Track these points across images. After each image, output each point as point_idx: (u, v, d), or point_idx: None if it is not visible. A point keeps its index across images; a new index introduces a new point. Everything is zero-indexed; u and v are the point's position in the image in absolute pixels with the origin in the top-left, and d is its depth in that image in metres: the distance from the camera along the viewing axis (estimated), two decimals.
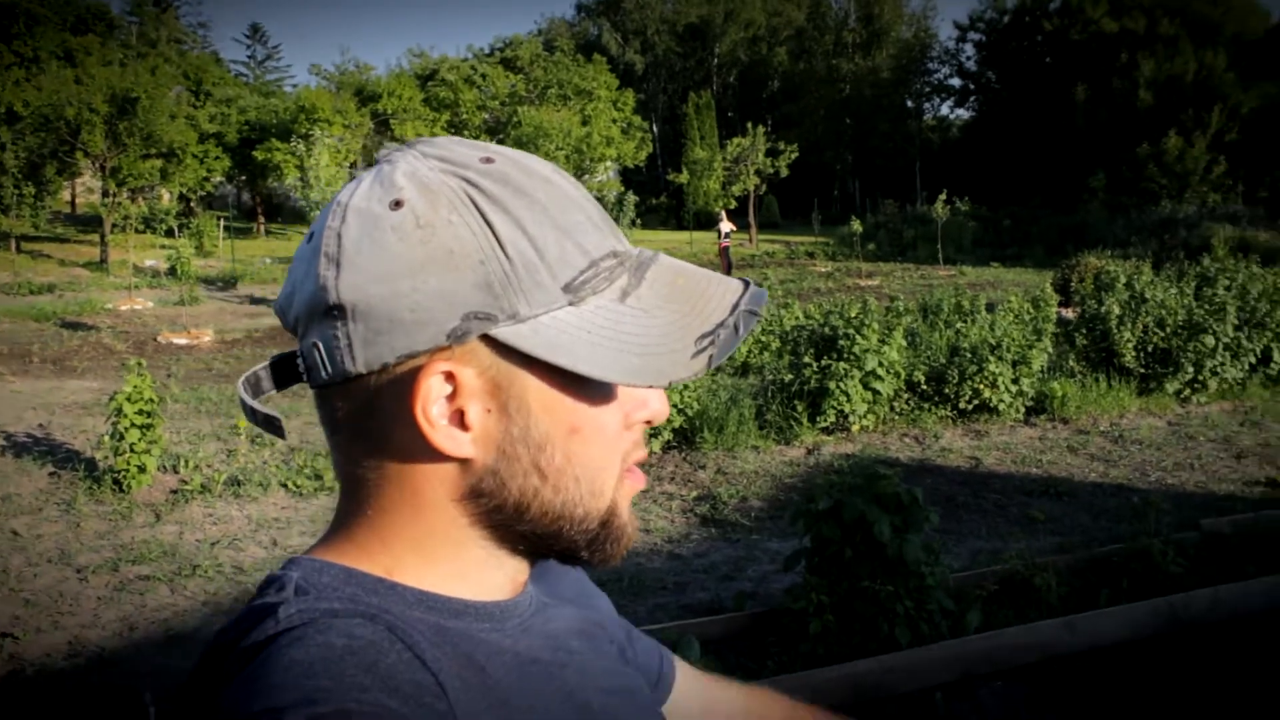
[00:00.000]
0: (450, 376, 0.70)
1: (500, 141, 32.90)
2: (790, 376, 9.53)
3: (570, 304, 0.70)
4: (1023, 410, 9.95)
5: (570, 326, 0.69)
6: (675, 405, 8.28)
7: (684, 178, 33.06)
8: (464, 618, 0.74)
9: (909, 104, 57.87)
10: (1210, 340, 10.46)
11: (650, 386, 0.70)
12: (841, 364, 9.09)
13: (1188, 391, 10.70)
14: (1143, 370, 10.76)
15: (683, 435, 8.57)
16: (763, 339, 12.20)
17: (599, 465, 0.74)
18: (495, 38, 52.60)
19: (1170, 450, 8.90)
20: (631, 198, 22.29)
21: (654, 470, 8.08)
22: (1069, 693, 4.55)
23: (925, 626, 4.79)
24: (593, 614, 0.90)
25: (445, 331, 0.69)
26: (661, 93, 53.42)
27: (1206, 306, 11.03)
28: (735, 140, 33.47)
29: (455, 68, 40.46)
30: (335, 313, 0.70)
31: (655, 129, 47.72)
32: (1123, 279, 13.12)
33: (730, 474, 8.03)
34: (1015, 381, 9.82)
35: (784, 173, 34.93)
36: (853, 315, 9.68)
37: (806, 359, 9.40)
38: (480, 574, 0.76)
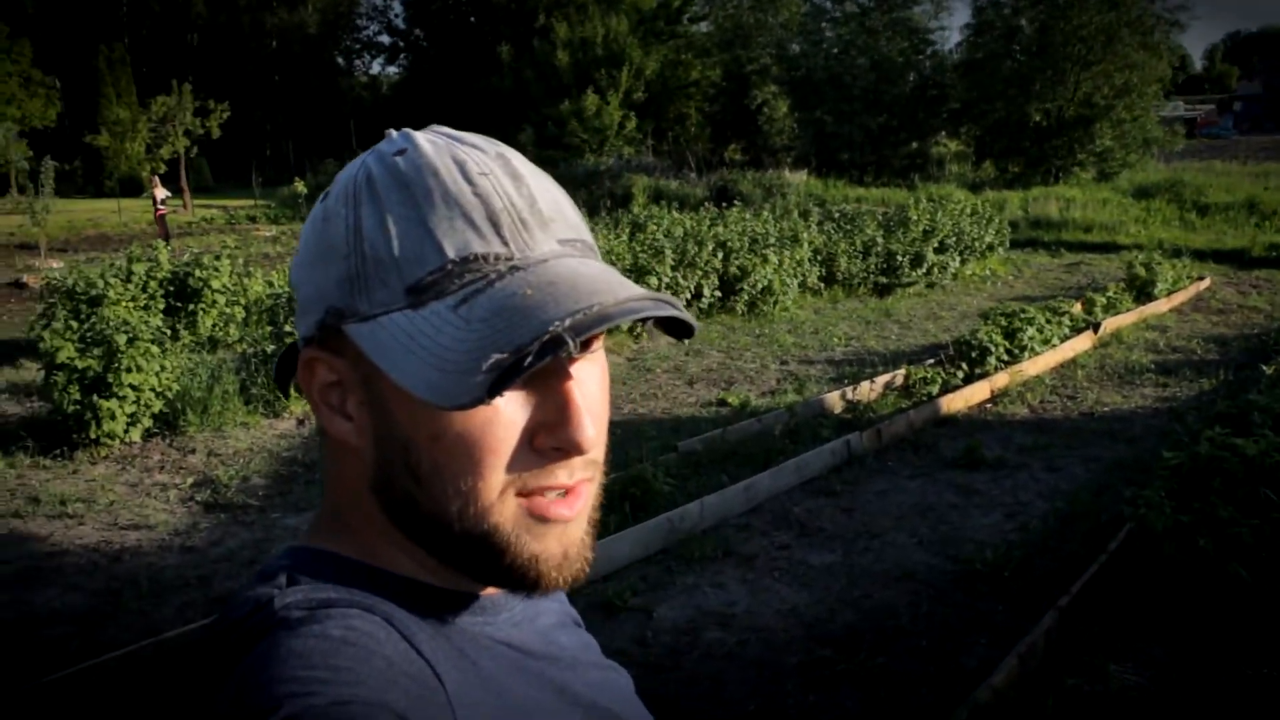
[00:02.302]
0: (330, 365, 0.73)
1: None
2: (274, 347, 9.17)
3: (409, 307, 0.68)
4: None
5: (400, 330, 0.67)
6: (152, 389, 7.63)
7: (104, 140, 30.02)
8: (458, 610, 0.75)
9: (339, 61, 57.08)
10: (654, 281, 11.67)
11: (440, 407, 0.65)
12: None
13: (639, 329, 11.85)
14: None
15: (164, 420, 7.93)
16: (227, 310, 11.53)
17: (471, 480, 0.69)
18: None
19: (634, 383, 9.84)
20: (50, 164, 19.76)
21: (139, 461, 7.42)
22: (599, 613, 4.93)
23: None
24: (567, 608, 0.91)
25: (315, 322, 0.72)
26: (64, 43, 47.74)
27: (646, 250, 12.25)
28: (160, 99, 30.91)
29: None
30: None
31: (59, 85, 42.64)
32: None
33: (224, 455, 7.60)
34: None
35: (215, 134, 32.98)
36: None
37: (288, 326, 9.10)
38: (438, 565, 0.74)
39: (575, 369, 0.71)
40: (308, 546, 0.75)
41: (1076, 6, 30.88)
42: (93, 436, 7.35)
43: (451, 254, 0.67)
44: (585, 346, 0.70)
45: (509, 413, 0.69)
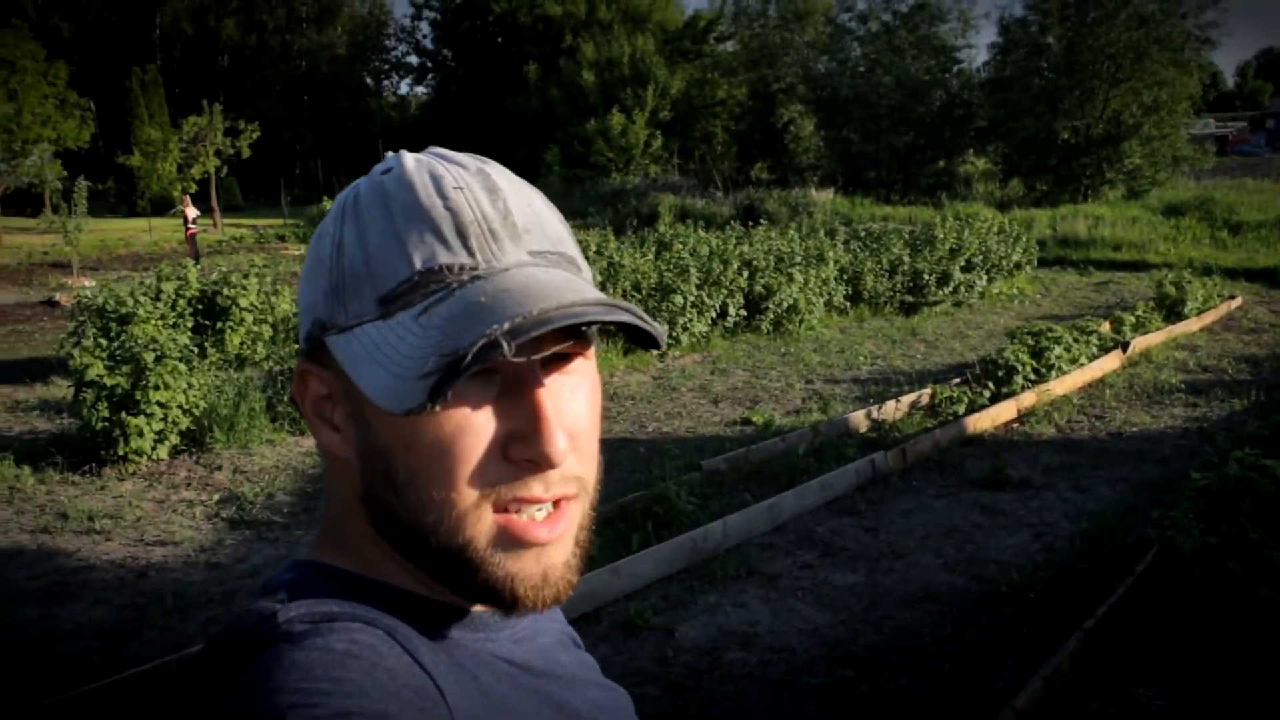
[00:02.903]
0: (320, 377, 0.74)
1: None
2: None
3: (380, 318, 0.69)
4: None
5: (369, 340, 0.69)
6: (180, 406, 7.69)
7: (136, 160, 30.41)
8: (459, 624, 0.76)
9: (368, 81, 57.62)
10: (679, 299, 11.67)
11: (391, 412, 0.66)
12: None
13: (665, 348, 11.83)
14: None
15: (191, 437, 7.99)
16: (254, 329, 11.63)
17: (444, 491, 0.69)
18: None
19: (659, 402, 9.83)
20: (83, 184, 20.03)
21: (166, 478, 7.47)
22: (620, 632, 4.91)
23: None
24: (566, 628, 0.90)
25: (304, 335, 0.75)
26: (99, 65, 48.47)
27: (672, 269, 12.26)
28: (191, 119, 31.30)
29: None
30: None
31: (94, 106, 43.24)
32: (594, 246, 14.18)
33: (249, 472, 7.64)
34: None
35: (245, 153, 33.32)
36: None
37: None
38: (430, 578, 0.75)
39: (551, 381, 0.71)
40: (310, 560, 0.76)
41: (1105, 24, 30.75)
42: (121, 453, 7.42)
43: (419, 265, 0.69)
44: (536, 351, 0.69)
45: (480, 421, 0.69)
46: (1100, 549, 5.67)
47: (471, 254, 0.70)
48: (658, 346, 0.72)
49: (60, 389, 9.92)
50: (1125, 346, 10.94)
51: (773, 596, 5.33)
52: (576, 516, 0.74)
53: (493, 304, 0.66)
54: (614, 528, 6.16)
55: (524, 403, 0.69)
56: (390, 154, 0.77)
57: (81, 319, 10.40)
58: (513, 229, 0.72)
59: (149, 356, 7.50)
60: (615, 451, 8.14)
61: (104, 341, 8.25)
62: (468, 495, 0.69)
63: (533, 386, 0.70)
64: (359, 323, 0.70)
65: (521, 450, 0.69)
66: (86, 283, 17.79)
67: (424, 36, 57.43)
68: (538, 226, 0.74)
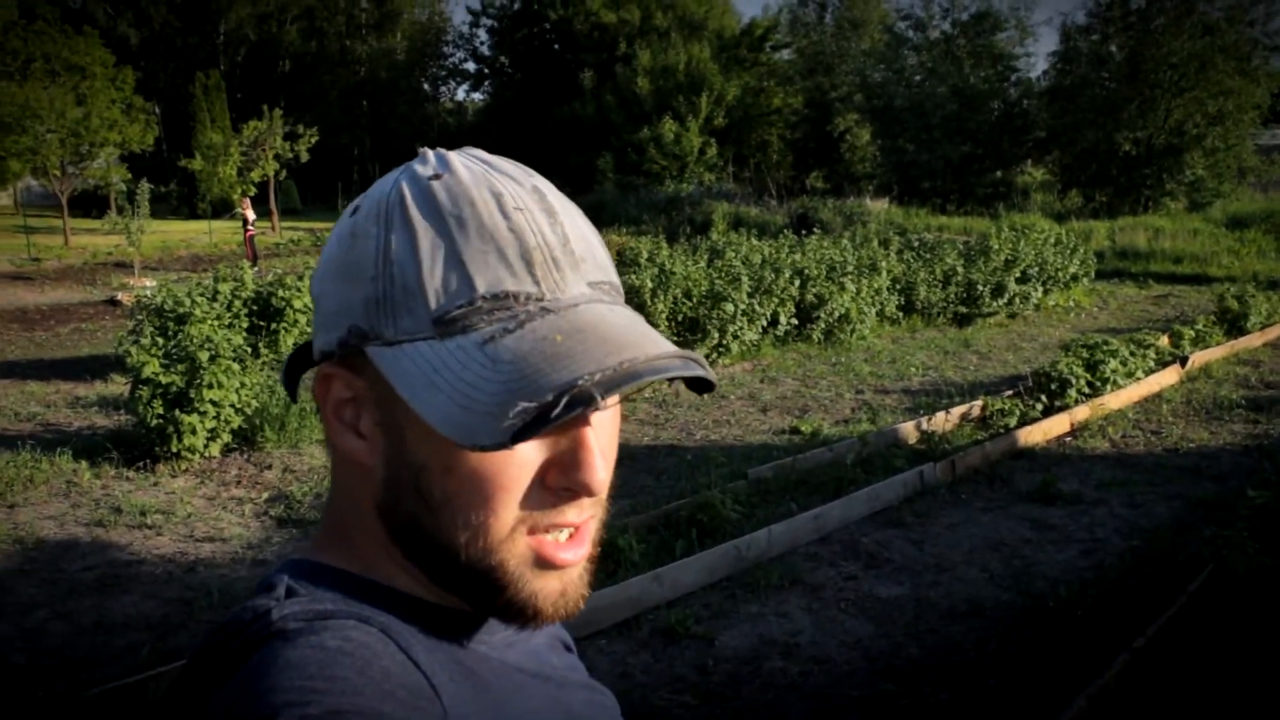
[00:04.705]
0: (346, 382, 0.72)
1: None
2: None
3: (434, 337, 0.67)
4: None
5: (423, 360, 0.67)
6: (232, 405, 7.80)
7: (198, 164, 30.86)
8: (455, 626, 0.75)
9: (426, 87, 58.15)
10: (730, 307, 11.63)
11: (460, 445, 0.64)
12: None
13: (714, 355, 11.83)
14: (675, 338, 11.72)
15: (242, 436, 8.11)
16: (308, 330, 11.80)
17: (483, 515, 0.69)
18: None
19: (708, 410, 9.80)
20: (145, 186, 20.43)
21: (217, 475, 7.58)
22: (660, 639, 4.90)
23: None
24: (559, 631, 0.91)
25: (337, 339, 0.71)
26: (163, 71, 49.44)
27: (723, 277, 12.23)
28: (252, 123, 31.76)
29: None
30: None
31: (159, 110, 44.11)
32: (645, 254, 14.20)
33: (299, 471, 7.73)
34: None
35: (304, 157, 33.74)
36: None
37: None
38: (436, 586, 0.75)
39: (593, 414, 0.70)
40: (308, 559, 0.76)
41: (1169, 32, 30.23)
42: (174, 450, 7.54)
43: (482, 289, 0.67)
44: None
45: (524, 452, 0.69)
46: (1152, 567, 5.56)
47: (536, 282, 0.68)
48: (711, 390, 0.72)
49: (118, 386, 10.11)
50: (1184, 361, 10.73)
51: (815, 607, 5.29)
52: (594, 535, 0.75)
53: (572, 347, 0.65)
54: (658, 534, 6.15)
55: (568, 433, 0.69)
56: (429, 152, 0.75)
57: (140, 318, 10.60)
58: (572, 256, 0.70)
59: (203, 356, 7.62)
60: (662, 459, 8.13)
61: (160, 340, 8.39)
62: (506, 521, 0.70)
63: (580, 420, 0.69)
64: (410, 339, 0.67)
65: (561, 478, 0.70)
66: (147, 283, 18.14)
67: (481, 43, 57.98)
68: (590, 254, 0.72)
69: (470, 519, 0.69)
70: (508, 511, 0.69)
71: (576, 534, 0.72)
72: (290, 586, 0.71)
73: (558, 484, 0.70)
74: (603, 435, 0.72)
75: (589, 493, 0.70)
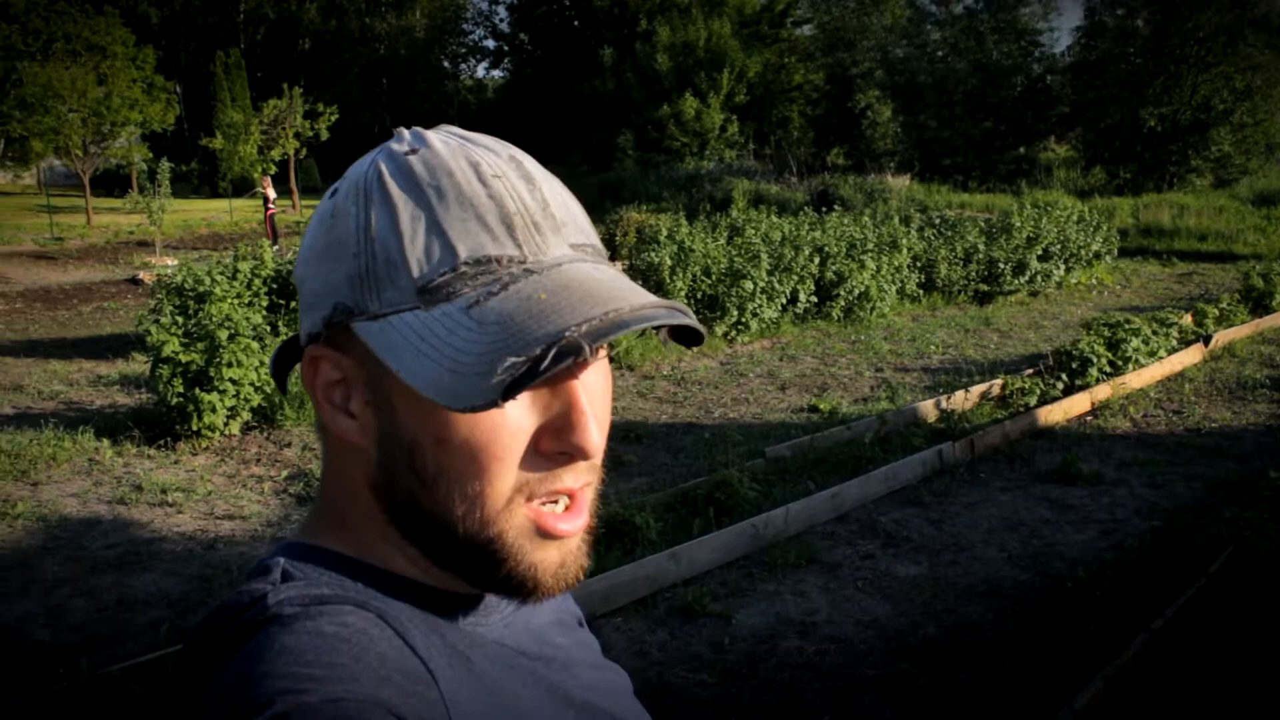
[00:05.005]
0: (335, 363, 0.72)
1: None
2: None
3: (419, 307, 0.67)
4: None
5: (410, 330, 0.67)
6: (252, 384, 7.83)
7: (218, 142, 30.91)
8: (451, 609, 0.75)
9: (445, 65, 58.01)
10: (749, 285, 11.59)
11: (450, 408, 0.64)
12: None
13: (734, 333, 11.81)
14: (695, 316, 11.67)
15: (262, 414, 8.15)
16: None
17: (479, 485, 0.69)
18: None
19: (726, 388, 9.79)
20: (166, 165, 20.49)
21: (237, 453, 7.63)
22: (677, 618, 4.90)
23: None
24: (568, 604, 0.91)
25: (322, 318, 0.71)
26: (184, 50, 49.56)
27: (743, 254, 12.18)
28: (272, 102, 31.78)
29: None
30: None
31: (179, 89, 44.23)
32: (664, 231, 14.16)
33: (318, 450, 7.70)
34: None
35: (324, 136, 33.75)
36: None
37: None
38: (433, 565, 0.75)
39: (582, 374, 0.71)
40: (303, 542, 0.76)
41: (1196, 5, 29.79)
42: (194, 428, 7.59)
43: (464, 255, 0.67)
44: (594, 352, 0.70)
45: (516, 417, 0.69)
46: (1172, 548, 5.51)
47: (518, 245, 0.68)
48: (700, 343, 0.72)
49: (140, 365, 10.19)
50: (1208, 340, 10.63)
51: (832, 586, 5.29)
52: (591, 503, 0.75)
53: (556, 302, 0.65)
54: (675, 513, 6.15)
55: (560, 397, 0.70)
56: (405, 131, 0.75)
57: (160, 297, 10.65)
58: (552, 220, 0.71)
59: (223, 334, 7.65)
60: (680, 437, 8.13)
61: (180, 319, 8.43)
62: (502, 491, 0.69)
63: (570, 382, 0.70)
64: (395, 311, 0.67)
65: (555, 443, 0.70)
66: (169, 261, 18.24)
67: (501, 20, 57.87)
68: (571, 219, 0.73)
69: (466, 490, 0.69)
70: (503, 481, 0.69)
71: (574, 503, 0.72)
72: (286, 570, 0.71)
73: (552, 449, 0.70)
74: (595, 399, 0.72)
75: (584, 455, 0.70)
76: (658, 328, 0.67)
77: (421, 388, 0.65)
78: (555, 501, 0.72)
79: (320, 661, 0.62)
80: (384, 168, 0.71)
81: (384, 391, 0.70)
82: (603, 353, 0.74)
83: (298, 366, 0.80)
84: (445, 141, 0.72)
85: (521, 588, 0.72)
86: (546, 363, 0.62)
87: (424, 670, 0.67)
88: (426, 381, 0.65)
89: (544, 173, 0.74)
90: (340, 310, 0.70)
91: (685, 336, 0.71)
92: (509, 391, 0.62)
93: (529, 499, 0.70)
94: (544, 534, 0.71)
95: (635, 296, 0.67)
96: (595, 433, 0.69)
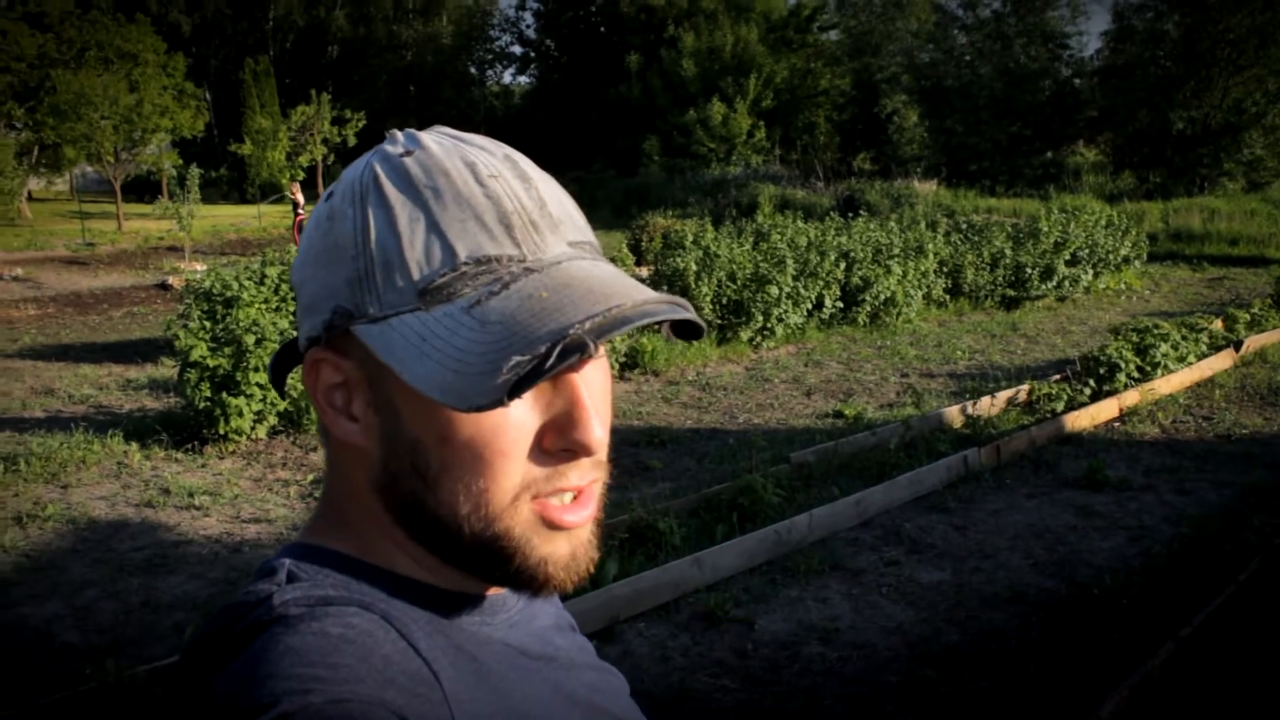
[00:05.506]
0: (335, 366, 0.72)
1: (32, 110, 29.44)
2: None
3: (420, 308, 0.67)
4: (617, 366, 10.47)
5: (411, 332, 0.67)
6: (295, 388, 7.87)
7: (247, 148, 31.26)
8: (455, 609, 0.75)
9: (472, 71, 58.25)
10: (775, 290, 11.57)
11: (455, 409, 0.64)
12: None
13: (759, 338, 11.78)
14: (720, 321, 11.68)
15: (288, 418, 8.20)
16: None
17: (483, 483, 0.69)
18: None
19: (751, 393, 9.77)
20: (195, 171, 20.69)
21: (264, 457, 7.69)
22: (700, 623, 4.89)
23: None
24: (562, 612, 0.91)
25: (322, 322, 0.71)
26: (214, 57, 50.00)
27: (768, 259, 12.16)
28: (300, 108, 32.12)
29: None
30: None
31: (209, 96, 44.64)
32: (690, 237, 14.15)
33: None
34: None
35: (352, 141, 34.00)
36: None
37: None
38: (439, 565, 0.75)
39: (583, 370, 0.71)
40: (307, 544, 0.76)
41: (1228, 7, 29.48)
42: (221, 432, 7.65)
43: (464, 255, 0.67)
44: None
45: (519, 415, 0.69)
46: (1201, 555, 5.46)
47: (517, 245, 0.68)
48: (700, 337, 0.73)
49: (168, 369, 10.27)
50: (1238, 345, 10.52)
51: (856, 592, 5.26)
52: (598, 497, 0.75)
53: (559, 300, 0.65)
54: (699, 518, 6.14)
55: (562, 394, 0.70)
56: (399, 133, 0.75)
57: (188, 301, 10.75)
58: (550, 219, 0.71)
59: (250, 339, 7.71)
60: (704, 442, 8.12)
61: (208, 324, 8.51)
62: (507, 489, 0.69)
63: (571, 379, 0.70)
64: (395, 313, 0.67)
65: (559, 440, 0.70)
66: (198, 267, 18.39)
67: (527, 27, 58.00)
68: (568, 217, 0.73)
69: (471, 488, 0.69)
70: (508, 479, 0.69)
71: (580, 496, 0.73)
72: (292, 571, 0.71)
73: (556, 445, 0.70)
74: (596, 395, 0.72)
75: (588, 452, 0.70)
76: (659, 323, 0.68)
77: (425, 389, 0.65)
78: (562, 495, 0.72)
79: (325, 662, 0.62)
80: (379, 170, 0.71)
81: (386, 393, 0.70)
82: (603, 349, 0.74)
83: (296, 370, 0.81)
84: (440, 142, 0.73)
85: (533, 581, 0.72)
86: (552, 360, 0.62)
87: (428, 672, 0.67)
88: (430, 383, 0.65)
89: (539, 172, 0.74)
90: (340, 314, 0.70)
91: (687, 331, 0.72)
92: (515, 390, 0.62)
93: (534, 497, 0.70)
94: (551, 526, 0.71)
95: (637, 292, 0.67)
96: (598, 428, 0.69)
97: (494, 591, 0.78)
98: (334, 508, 0.78)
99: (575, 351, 0.63)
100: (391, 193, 0.69)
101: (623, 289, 0.67)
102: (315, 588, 0.69)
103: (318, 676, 0.61)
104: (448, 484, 0.69)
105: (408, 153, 0.71)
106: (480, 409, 0.63)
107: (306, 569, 0.72)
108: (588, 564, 0.74)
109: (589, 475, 0.73)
